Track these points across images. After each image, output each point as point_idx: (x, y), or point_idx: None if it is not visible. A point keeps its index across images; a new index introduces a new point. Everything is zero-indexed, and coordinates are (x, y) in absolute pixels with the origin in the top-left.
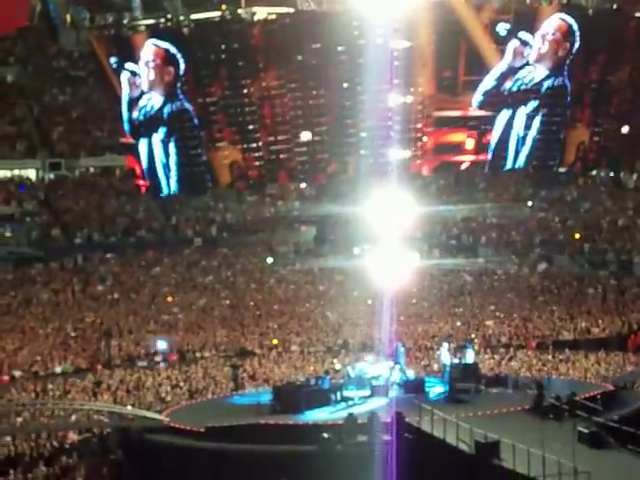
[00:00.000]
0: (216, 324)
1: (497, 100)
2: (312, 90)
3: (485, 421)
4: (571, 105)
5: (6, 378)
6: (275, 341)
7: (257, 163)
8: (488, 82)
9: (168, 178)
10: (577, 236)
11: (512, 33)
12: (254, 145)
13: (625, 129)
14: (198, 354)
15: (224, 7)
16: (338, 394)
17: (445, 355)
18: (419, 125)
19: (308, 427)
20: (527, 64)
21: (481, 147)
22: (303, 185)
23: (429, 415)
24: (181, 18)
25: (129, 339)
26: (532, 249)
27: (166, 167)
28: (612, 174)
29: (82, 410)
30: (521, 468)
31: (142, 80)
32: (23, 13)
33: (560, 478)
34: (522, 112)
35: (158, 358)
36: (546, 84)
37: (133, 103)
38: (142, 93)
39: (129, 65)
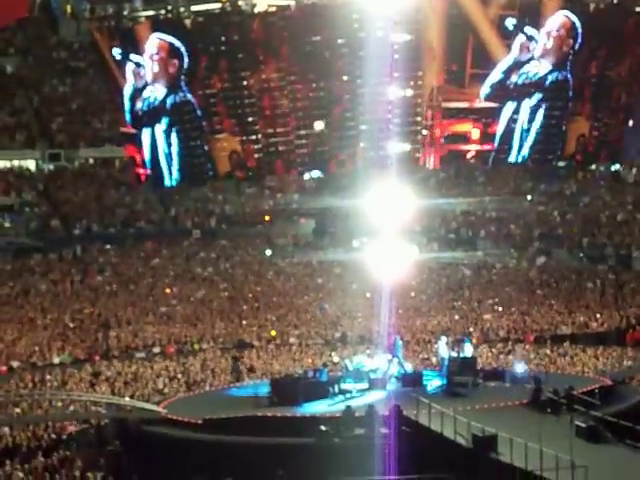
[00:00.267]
0: (214, 316)
1: (503, 92)
2: (312, 82)
3: (483, 415)
4: (573, 99)
5: (4, 368)
6: (273, 332)
7: (256, 155)
8: (495, 75)
9: (170, 167)
10: (574, 230)
11: (518, 28)
12: (253, 137)
13: (630, 122)
14: (196, 346)
15: None
16: (336, 387)
17: (443, 348)
18: (428, 116)
19: (306, 420)
20: (532, 58)
21: (486, 137)
22: (307, 176)
23: (427, 408)
24: (181, 10)
25: (127, 330)
26: (531, 243)
27: (168, 157)
28: (612, 168)
29: (80, 401)
30: (518, 462)
31: (146, 72)
32: (23, 4)
33: (557, 472)
34: (527, 104)
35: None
36: (550, 78)
37: (137, 94)
38: (146, 84)
39: (134, 57)
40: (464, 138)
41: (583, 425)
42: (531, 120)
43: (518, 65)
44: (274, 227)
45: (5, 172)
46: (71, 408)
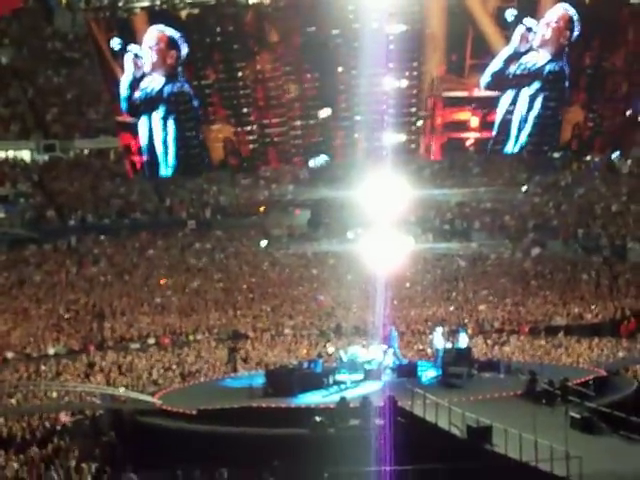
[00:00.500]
0: (209, 307)
1: (503, 81)
2: (307, 73)
3: (477, 406)
4: (569, 88)
5: None
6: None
7: (250, 146)
8: (496, 64)
9: (166, 155)
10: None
11: (518, 19)
12: (248, 128)
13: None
14: (191, 337)
15: None
16: (331, 378)
17: (438, 339)
18: (429, 105)
19: (300, 410)
20: (531, 49)
21: (485, 125)
22: (312, 163)
23: (421, 399)
24: (176, 1)
25: (122, 321)
26: (526, 234)
27: (164, 144)
28: (608, 157)
29: (75, 392)
30: (513, 453)
31: (145, 62)
32: None
33: (552, 463)
34: (525, 93)
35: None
36: (548, 68)
37: (135, 83)
38: (144, 74)
39: (132, 47)
40: (464, 125)
41: (578, 416)
42: (529, 109)
43: (517, 55)
44: (269, 218)
45: (0, 163)
46: (66, 399)
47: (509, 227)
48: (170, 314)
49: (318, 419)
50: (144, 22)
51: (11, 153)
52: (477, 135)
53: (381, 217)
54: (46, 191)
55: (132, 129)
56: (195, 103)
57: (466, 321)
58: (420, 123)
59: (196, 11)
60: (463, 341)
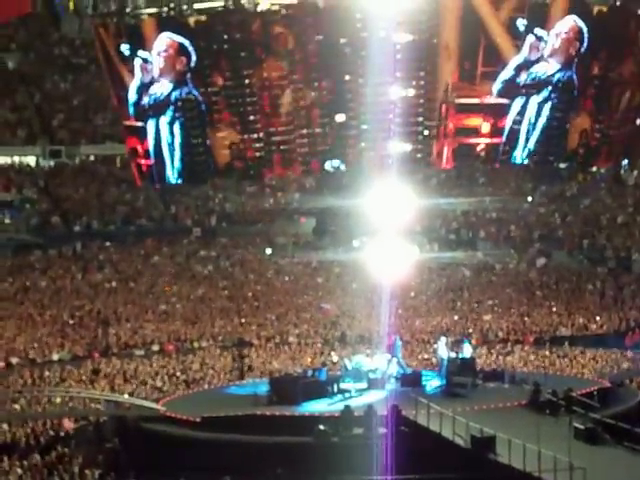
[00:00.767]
0: (214, 314)
1: (514, 89)
2: (314, 82)
3: (481, 416)
4: (577, 98)
5: (3, 365)
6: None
7: (257, 154)
8: (507, 72)
9: (173, 159)
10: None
11: (528, 29)
12: (255, 135)
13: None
14: (195, 344)
15: None
16: (335, 386)
17: (442, 349)
18: (443, 111)
19: (304, 419)
20: (541, 58)
21: (496, 131)
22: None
23: (425, 409)
24: (184, 7)
25: (127, 328)
26: (531, 244)
27: (171, 147)
28: (615, 168)
29: (79, 398)
30: (517, 463)
31: (154, 68)
32: (26, 0)
33: (556, 474)
34: (534, 100)
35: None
36: (557, 76)
37: (144, 88)
38: (153, 80)
39: (141, 53)
40: (475, 131)
41: (581, 427)
42: (537, 116)
43: (528, 64)
44: (274, 226)
45: (6, 168)
46: (70, 405)
47: (514, 237)
48: (175, 321)
49: (322, 427)
50: (152, 28)
51: (17, 159)
52: (488, 140)
53: (387, 226)
54: (52, 197)
55: (139, 133)
56: (203, 108)
57: (471, 331)
58: (427, 132)
59: (203, 18)
60: (467, 351)
